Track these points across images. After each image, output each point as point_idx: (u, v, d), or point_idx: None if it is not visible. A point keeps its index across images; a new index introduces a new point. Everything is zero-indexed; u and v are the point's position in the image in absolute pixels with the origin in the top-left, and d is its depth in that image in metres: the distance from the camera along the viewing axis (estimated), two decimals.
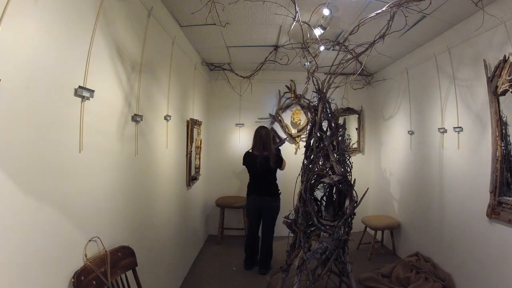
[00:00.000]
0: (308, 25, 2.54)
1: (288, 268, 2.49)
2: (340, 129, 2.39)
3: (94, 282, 1.31)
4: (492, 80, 2.18)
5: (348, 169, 2.35)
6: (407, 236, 3.56)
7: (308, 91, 4.39)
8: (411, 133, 3.53)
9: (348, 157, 2.42)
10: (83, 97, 1.33)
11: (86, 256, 1.35)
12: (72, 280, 1.22)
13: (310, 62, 3.50)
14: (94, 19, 1.43)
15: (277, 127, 4.62)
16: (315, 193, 2.37)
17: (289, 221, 2.50)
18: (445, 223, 2.82)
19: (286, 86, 4.54)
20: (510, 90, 2.01)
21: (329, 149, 2.29)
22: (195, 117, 3.52)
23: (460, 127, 2.62)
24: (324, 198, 2.48)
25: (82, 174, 1.35)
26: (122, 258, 1.57)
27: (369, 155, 4.70)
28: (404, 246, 3.61)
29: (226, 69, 4.31)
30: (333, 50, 3.19)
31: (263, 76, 4.29)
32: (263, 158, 3.26)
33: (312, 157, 2.37)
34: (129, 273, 1.63)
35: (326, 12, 2.34)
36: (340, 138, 2.37)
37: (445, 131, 2.85)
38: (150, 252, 2.10)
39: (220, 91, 4.56)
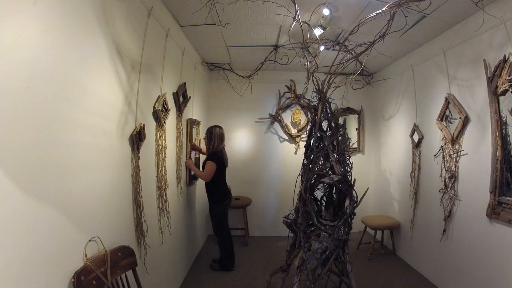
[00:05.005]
0: (308, 25, 2.54)
1: (288, 268, 2.49)
2: (340, 129, 2.39)
3: (94, 282, 1.31)
4: (492, 80, 2.18)
5: (348, 169, 2.35)
6: (407, 236, 3.56)
7: (308, 91, 4.39)
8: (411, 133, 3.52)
9: (348, 157, 2.42)
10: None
11: (86, 256, 1.35)
12: (72, 280, 1.22)
13: (310, 62, 3.50)
14: (94, 19, 1.43)
15: (277, 127, 4.62)
16: (315, 193, 2.37)
17: (289, 221, 2.50)
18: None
19: (286, 86, 4.54)
20: (510, 90, 2.01)
21: (329, 149, 2.28)
22: (194, 117, 3.52)
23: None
24: (324, 198, 2.48)
25: (82, 173, 1.35)
26: (122, 258, 1.57)
27: (369, 155, 4.70)
28: (404, 246, 3.61)
29: (226, 69, 4.31)
30: (333, 50, 3.18)
31: (263, 76, 4.29)
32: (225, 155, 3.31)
33: (312, 157, 2.37)
34: (129, 273, 1.63)
35: (326, 12, 2.34)
36: (340, 138, 2.37)
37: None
38: (150, 252, 2.09)
39: (220, 91, 4.56)
